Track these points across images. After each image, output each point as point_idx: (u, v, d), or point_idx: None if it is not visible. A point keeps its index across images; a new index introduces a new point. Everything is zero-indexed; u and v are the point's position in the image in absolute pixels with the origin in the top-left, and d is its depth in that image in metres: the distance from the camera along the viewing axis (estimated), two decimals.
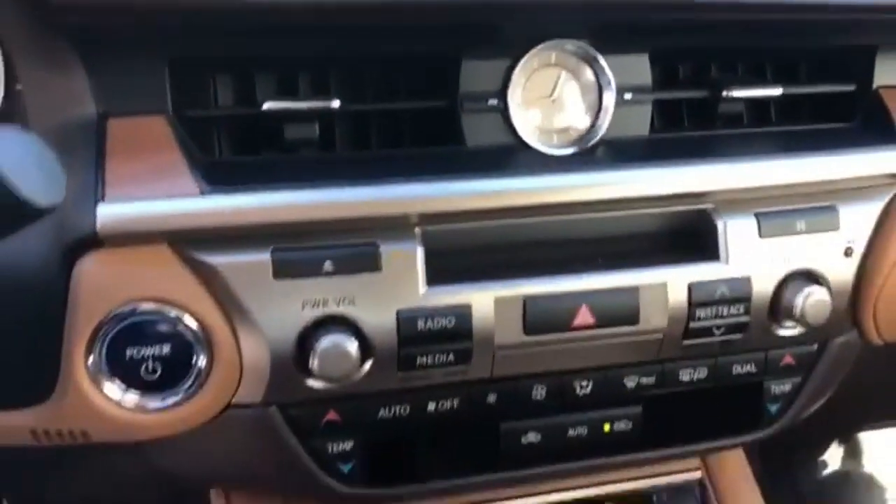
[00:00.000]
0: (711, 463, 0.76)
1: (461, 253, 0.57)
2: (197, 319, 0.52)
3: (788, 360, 0.64)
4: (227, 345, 0.53)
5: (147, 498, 0.78)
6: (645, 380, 0.61)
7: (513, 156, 0.58)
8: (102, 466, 0.71)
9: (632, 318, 0.58)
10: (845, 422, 1.14)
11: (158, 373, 0.53)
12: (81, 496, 0.77)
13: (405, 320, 0.54)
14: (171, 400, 0.53)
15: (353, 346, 0.53)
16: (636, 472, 0.74)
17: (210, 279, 0.52)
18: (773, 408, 0.65)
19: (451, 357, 0.56)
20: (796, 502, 1.12)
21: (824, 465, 1.41)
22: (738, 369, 0.63)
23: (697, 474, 0.76)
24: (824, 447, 1.41)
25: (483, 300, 0.56)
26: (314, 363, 0.53)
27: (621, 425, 0.62)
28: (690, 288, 0.58)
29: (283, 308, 0.53)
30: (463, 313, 0.55)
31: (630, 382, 0.61)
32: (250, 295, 0.53)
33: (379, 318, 0.54)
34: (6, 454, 0.67)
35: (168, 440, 0.57)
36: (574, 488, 0.73)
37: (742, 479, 0.76)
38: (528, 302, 0.56)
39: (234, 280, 0.52)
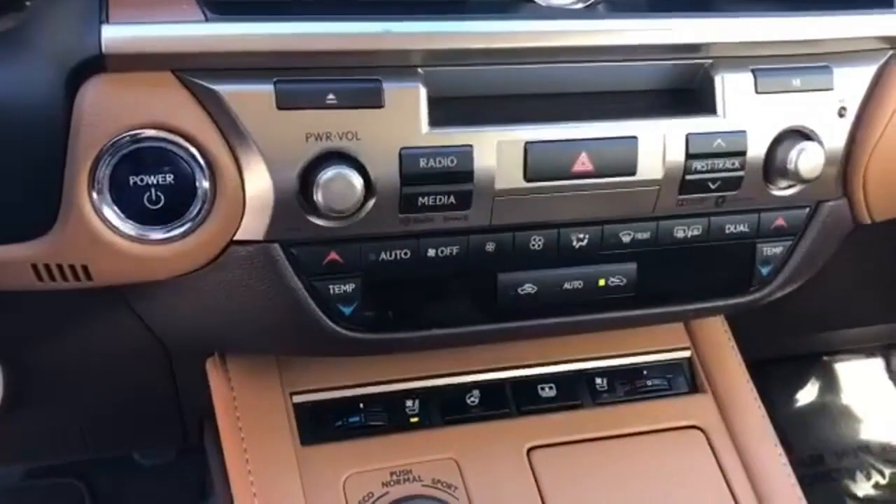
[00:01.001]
0: (701, 343, 0.77)
1: (464, 98, 0.57)
2: (200, 148, 0.53)
3: (780, 222, 0.65)
4: (230, 175, 0.53)
5: (141, 373, 0.78)
6: (640, 235, 0.62)
7: (516, 5, 0.59)
8: (96, 330, 0.71)
9: (629, 167, 0.59)
10: (823, 322, 1.17)
11: (161, 202, 0.53)
12: (72, 367, 0.77)
13: (407, 158, 0.55)
14: (174, 231, 0.54)
15: (356, 179, 0.53)
16: (626, 348, 0.76)
17: (214, 107, 0.52)
18: (765, 270, 0.66)
19: (452, 199, 0.56)
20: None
21: (801, 398, 1.44)
22: (730, 229, 0.64)
23: (687, 353, 0.77)
24: (804, 372, 1.44)
25: (485, 143, 0.56)
26: (318, 195, 0.53)
27: (615, 281, 0.63)
28: (687, 139, 0.59)
29: (287, 139, 0.53)
30: (465, 154, 0.56)
31: (626, 237, 0.62)
32: (254, 124, 0.53)
33: (382, 155, 0.54)
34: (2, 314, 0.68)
35: (169, 289, 0.58)
36: (565, 362, 0.74)
37: (730, 358, 0.77)
38: (528, 147, 0.57)
39: (238, 109, 0.52)
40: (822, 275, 0.72)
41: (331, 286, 0.58)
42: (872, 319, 1.24)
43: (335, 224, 0.56)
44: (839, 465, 1.39)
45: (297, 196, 0.54)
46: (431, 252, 0.59)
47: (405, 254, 0.58)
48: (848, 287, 1.01)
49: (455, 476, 0.66)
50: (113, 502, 1.25)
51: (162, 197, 0.53)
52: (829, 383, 1.46)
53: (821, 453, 1.40)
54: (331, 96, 0.53)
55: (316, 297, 0.58)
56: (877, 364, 1.47)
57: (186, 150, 0.53)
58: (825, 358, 1.45)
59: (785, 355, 1.35)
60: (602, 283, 0.63)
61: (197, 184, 0.53)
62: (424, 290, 0.61)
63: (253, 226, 0.55)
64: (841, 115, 0.63)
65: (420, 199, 0.56)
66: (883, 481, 1.38)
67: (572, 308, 0.64)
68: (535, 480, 0.67)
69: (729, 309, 0.68)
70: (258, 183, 0.54)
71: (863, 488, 1.37)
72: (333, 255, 0.57)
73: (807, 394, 1.45)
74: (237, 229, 0.55)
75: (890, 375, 1.46)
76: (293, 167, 0.54)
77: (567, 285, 0.63)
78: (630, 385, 0.75)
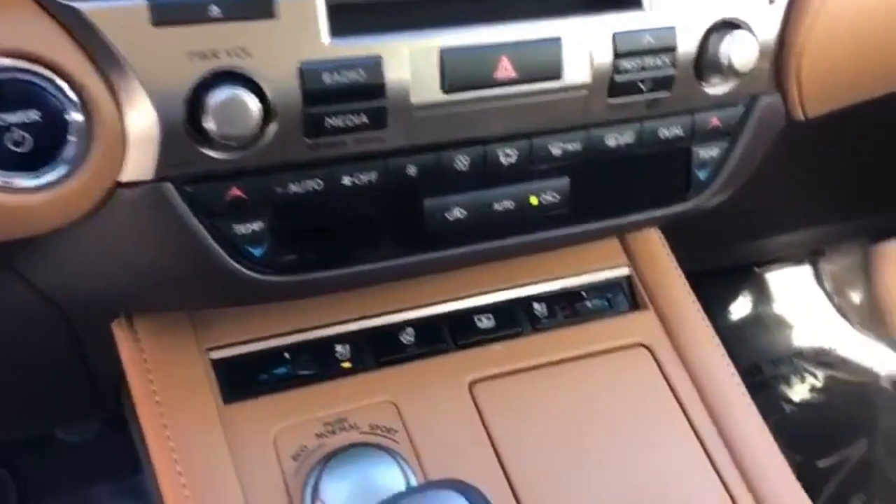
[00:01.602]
0: (639, 260, 0.74)
1: (369, 3, 0.51)
2: (66, 78, 0.45)
3: (715, 122, 0.62)
4: (105, 107, 0.46)
5: (42, 343, 0.71)
6: (571, 146, 0.58)
7: None
8: None
9: (554, 71, 0.54)
10: (753, 229, 1.17)
11: (28, 145, 0.46)
12: None
13: (308, 73, 0.49)
14: (46, 177, 0.47)
15: (252, 101, 0.47)
16: (563, 271, 0.72)
17: (77, 29, 0.45)
18: (702, 174, 0.63)
19: (364, 119, 0.51)
20: None
21: (735, 310, 1.46)
22: (664, 133, 0.60)
23: (625, 270, 0.74)
24: (736, 284, 1.46)
25: (395, 52, 0.51)
26: (209, 123, 0.47)
27: (548, 198, 0.59)
28: (614, 38, 0.55)
29: (167, 61, 0.46)
30: (373, 66, 0.50)
31: (556, 150, 0.58)
32: (127, 46, 0.46)
33: (279, 71, 0.48)
34: None
35: (53, 244, 0.51)
36: (501, 290, 0.70)
37: (670, 273, 0.74)
38: (444, 54, 0.52)
39: (106, 28, 0.45)
40: (752, 179, 0.69)
41: (236, 226, 0.52)
42: (801, 223, 1.24)
43: (233, 155, 0.49)
44: (776, 372, 1.42)
45: (186, 125, 0.48)
46: (347, 180, 0.53)
47: (317, 184, 0.53)
48: (777, 191, 1.01)
49: (394, 419, 0.62)
50: (42, 486, 1.18)
51: (27, 138, 0.46)
52: (762, 294, 1.48)
53: (758, 363, 1.43)
54: (214, 8, 0.47)
55: (221, 240, 0.52)
56: (805, 271, 1.49)
57: (51, 81, 0.45)
58: (756, 269, 1.47)
59: (716, 268, 1.35)
60: (535, 201, 0.59)
61: (67, 120, 0.46)
62: (343, 224, 0.55)
63: (139, 164, 0.48)
64: (771, 1, 0.59)
65: (327, 119, 0.50)
66: (818, 384, 1.41)
67: (505, 231, 0.60)
68: (480, 415, 0.63)
69: (668, 218, 0.65)
70: (139, 114, 0.47)
71: (799, 392, 1.40)
72: (236, 191, 0.51)
73: (740, 306, 1.47)
74: (121, 169, 0.48)
75: (818, 282, 1.49)
76: (177, 92, 0.47)
77: (498, 206, 0.58)
78: (570, 308, 0.71)
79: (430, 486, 0.42)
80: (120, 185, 0.49)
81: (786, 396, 1.40)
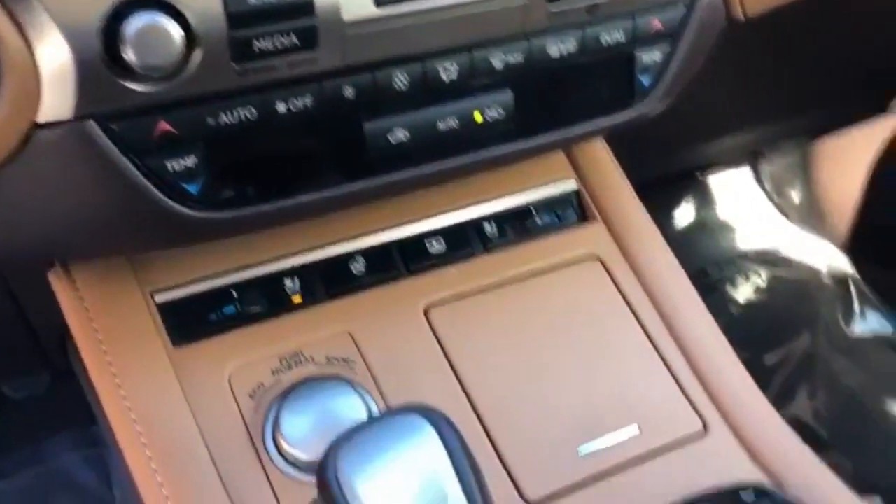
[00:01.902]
0: (586, 172, 0.74)
1: None
2: None
3: (657, 24, 0.60)
4: (12, 43, 0.43)
5: None
6: (513, 58, 0.56)
7: None
8: None
9: None
10: (694, 134, 1.18)
11: None
12: None
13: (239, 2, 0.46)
14: None
15: (172, 26, 0.44)
16: (511, 188, 0.71)
17: None
18: (646, 80, 0.62)
19: (294, 39, 0.48)
20: None
21: (679, 217, 1.48)
22: (606, 39, 0.58)
23: (573, 183, 0.73)
24: (679, 192, 1.47)
25: None
26: (128, 53, 0.44)
27: (493, 113, 0.57)
28: None
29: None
30: None
31: (497, 62, 0.56)
32: None
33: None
34: None
35: None
36: (450, 212, 0.69)
37: (618, 183, 0.74)
38: None
39: None
40: (692, 83, 0.69)
41: (168, 162, 0.49)
42: (741, 125, 1.25)
43: (158, 87, 0.46)
44: (721, 275, 1.45)
45: (103, 58, 0.44)
46: (281, 107, 0.50)
47: (250, 113, 0.50)
48: (716, 93, 1.01)
49: (351, 350, 0.61)
50: None
51: None
52: (704, 199, 1.50)
53: (703, 267, 1.45)
54: None
55: (153, 178, 0.49)
56: (746, 173, 1.51)
57: None
58: (699, 175, 1.48)
59: (659, 176, 1.36)
60: (479, 117, 0.57)
61: None
62: (281, 153, 0.53)
63: (57, 103, 0.45)
64: None
65: (255, 42, 0.47)
66: (762, 284, 1.45)
67: (450, 150, 0.58)
68: (437, 339, 0.62)
69: (614, 128, 0.63)
70: (51, 48, 0.44)
71: (744, 293, 1.43)
72: (164, 125, 0.48)
73: (684, 212, 1.48)
74: (37, 109, 0.45)
75: (759, 183, 1.51)
76: (90, 23, 0.44)
77: (441, 125, 0.56)
78: (520, 225, 0.71)
79: (392, 412, 0.42)
80: (38, 126, 0.46)
81: (732, 298, 1.43)
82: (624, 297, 0.68)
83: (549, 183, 0.73)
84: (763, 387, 1.31)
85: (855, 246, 1.40)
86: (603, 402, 0.61)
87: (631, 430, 0.60)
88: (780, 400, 1.28)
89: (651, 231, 0.72)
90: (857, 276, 1.40)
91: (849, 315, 1.38)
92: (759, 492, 0.55)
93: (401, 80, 0.53)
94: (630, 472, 0.58)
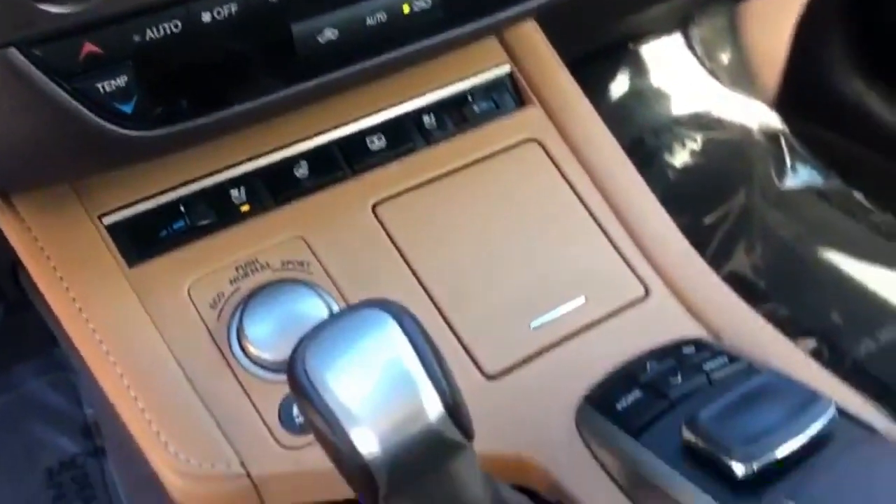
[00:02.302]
0: (519, 55, 0.74)
1: None
2: None
3: None
4: None
5: None
6: None
7: None
8: None
9: None
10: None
11: None
12: None
13: None
14: None
15: None
16: (446, 78, 0.71)
17: None
18: None
19: None
20: None
21: (614, 89, 1.49)
22: None
23: (507, 68, 0.74)
24: (612, 64, 1.48)
25: None
26: None
27: (420, 3, 0.57)
28: None
29: None
30: None
31: None
32: None
33: None
34: None
35: None
36: (387, 108, 0.69)
37: (551, 65, 0.75)
38: None
39: None
40: None
41: (99, 84, 0.49)
42: None
43: (76, 6, 0.46)
44: (658, 142, 1.48)
45: None
46: (206, 16, 0.50)
47: (175, 26, 0.49)
48: None
49: (305, 253, 0.62)
50: None
51: None
52: (637, 69, 1.51)
53: (640, 136, 1.48)
54: None
55: (85, 101, 0.49)
56: (676, 40, 1.52)
57: None
58: (630, 45, 1.49)
59: (591, 51, 1.36)
60: (406, 8, 0.57)
61: None
62: (211, 65, 0.53)
63: None
64: None
65: None
66: (697, 147, 1.48)
67: (381, 46, 0.58)
68: (388, 234, 0.64)
69: (543, 7, 0.64)
70: None
71: (681, 158, 1.47)
72: (89, 46, 0.48)
73: (619, 84, 1.49)
74: None
75: (689, 48, 1.53)
76: None
77: (370, 21, 0.56)
78: (458, 115, 0.72)
79: (353, 308, 0.44)
80: None
81: (670, 164, 1.47)
82: (564, 177, 0.70)
83: (483, 70, 0.73)
84: (703, 245, 1.37)
85: (784, 103, 1.42)
86: (550, 278, 0.65)
87: (578, 301, 0.64)
88: (720, 256, 1.34)
89: (587, 110, 0.74)
90: (787, 131, 1.44)
91: (781, 170, 1.43)
92: (699, 344, 0.59)
93: None
94: (579, 340, 0.62)
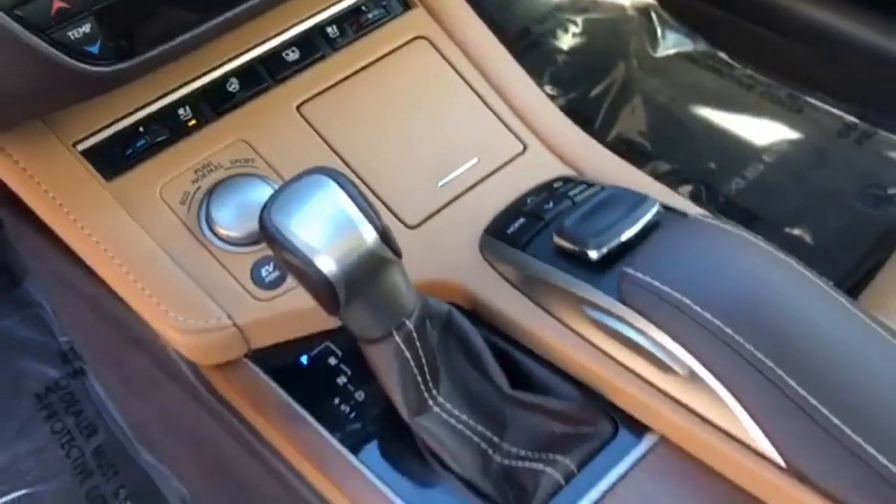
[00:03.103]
0: None
1: None
2: None
3: None
4: None
5: None
6: None
7: None
8: None
9: None
10: None
11: None
12: None
13: None
14: None
15: None
16: None
17: None
18: None
19: None
20: None
21: None
22: None
23: None
24: None
25: None
26: None
27: None
28: None
29: None
30: None
31: None
32: None
33: None
34: None
35: None
36: (296, 25, 0.82)
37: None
38: None
39: None
40: None
41: (70, 33, 0.62)
42: None
43: None
44: (542, 29, 1.60)
45: None
46: None
47: None
48: None
49: (249, 152, 0.76)
50: None
51: None
52: None
53: (526, 25, 1.60)
54: None
55: (60, 47, 0.62)
56: None
57: None
58: None
59: None
60: None
61: None
62: (154, 7, 0.65)
63: None
64: None
65: None
66: (578, 29, 1.61)
67: None
68: (312, 128, 0.79)
69: None
70: None
71: (565, 41, 1.59)
72: (58, 3, 0.60)
73: None
74: None
75: None
76: None
77: None
78: (356, 23, 0.85)
79: (300, 175, 0.58)
80: None
81: (555, 47, 1.56)
82: (450, 64, 0.85)
83: None
84: (592, 115, 1.51)
85: None
86: (449, 147, 0.80)
87: (472, 161, 0.79)
88: (608, 124, 1.46)
89: (462, 6, 0.88)
90: (656, 4, 1.56)
91: (653, 40, 1.55)
92: (565, 180, 0.76)
93: None
94: (476, 191, 0.78)
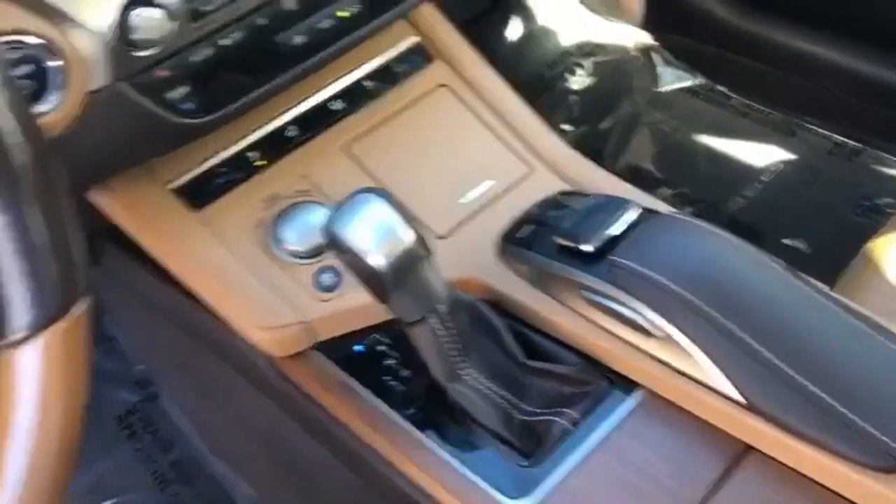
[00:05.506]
0: (424, 30, 1.05)
1: None
2: (28, 34, 0.70)
3: None
4: (72, 54, 0.72)
5: None
6: None
7: None
8: None
9: None
10: None
11: (34, 86, 0.71)
12: None
13: None
14: (48, 102, 0.72)
15: (157, 11, 0.74)
16: (376, 55, 1.02)
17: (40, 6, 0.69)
18: None
19: None
20: None
21: (509, 36, 1.76)
22: None
23: (416, 39, 1.05)
24: (501, 15, 1.75)
25: None
26: (135, 34, 0.74)
27: (353, 9, 0.89)
28: None
29: (98, 6, 0.72)
30: None
31: None
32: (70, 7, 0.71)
33: None
34: None
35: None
36: (340, 79, 1.00)
37: (449, 32, 1.04)
38: None
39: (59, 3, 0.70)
40: None
41: (169, 94, 0.80)
42: None
43: (154, 51, 0.76)
44: (554, 73, 1.74)
45: (120, 41, 0.74)
46: (226, 41, 0.81)
47: (209, 50, 0.80)
48: None
49: (306, 183, 0.93)
50: None
51: (31, 82, 0.71)
52: (525, 15, 1.74)
53: (538, 71, 1.75)
54: None
55: (162, 105, 0.79)
56: None
57: (32, 44, 0.70)
58: None
59: (483, 11, 1.64)
60: (344, 13, 0.88)
61: (50, 65, 0.71)
62: (235, 69, 0.83)
63: (99, 76, 0.74)
64: None
65: (201, 9, 0.77)
66: (586, 71, 1.74)
67: (332, 39, 0.89)
68: (358, 162, 0.95)
69: None
70: (91, 45, 0.73)
71: (575, 82, 1.71)
72: (161, 72, 0.78)
73: (512, 30, 1.73)
74: (89, 83, 0.74)
75: None
76: (111, 25, 0.72)
77: (322, 25, 0.87)
78: (389, 76, 1.02)
79: (352, 195, 0.74)
80: (91, 92, 0.75)
81: (567, 88, 1.69)
82: (467, 106, 1.01)
83: (400, 43, 1.05)
84: (602, 147, 1.64)
85: (650, 22, 1.68)
86: (468, 171, 0.95)
87: (488, 183, 0.95)
88: (617, 153, 1.60)
89: (475, 57, 1.05)
90: (656, 45, 1.71)
91: (655, 77, 1.69)
92: (565, 193, 0.92)
93: (290, 3, 0.84)
94: (492, 206, 0.93)
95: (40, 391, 0.48)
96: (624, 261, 0.77)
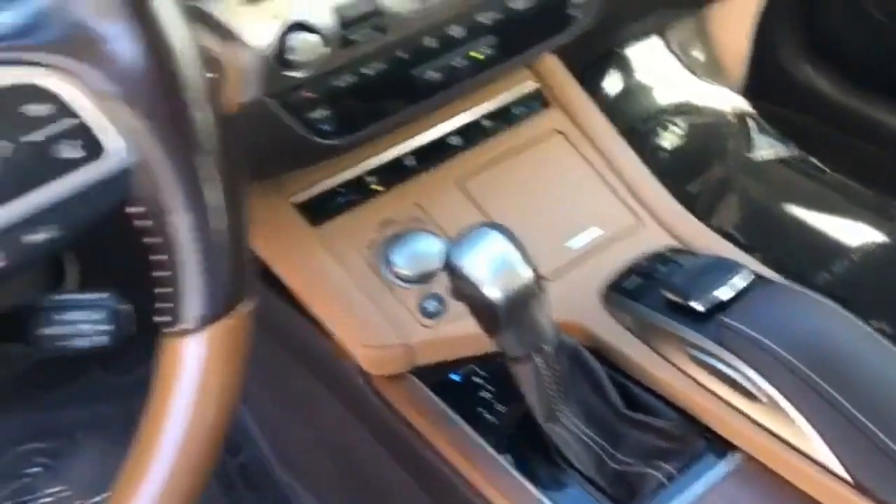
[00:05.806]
0: (542, 76, 1.09)
1: None
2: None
3: None
4: (232, 70, 0.76)
5: None
6: (492, 16, 0.91)
7: None
8: None
9: None
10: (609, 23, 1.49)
11: None
12: None
13: (342, 10, 0.79)
14: None
15: (314, 37, 0.78)
16: (496, 95, 1.06)
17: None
18: (574, 12, 0.97)
19: (373, 30, 0.82)
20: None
21: (607, 90, 1.80)
22: None
23: (535, 85, 1.09)
24: (604, 69, 1.79)
25: None
26: (292, 55, 0.78)
27: (485, 51, 0.92)
28: None
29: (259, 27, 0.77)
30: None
31: (485, 20, 0.90)
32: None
33: (325, 20, 0.79)
34: None
35: None
36: (459, 114, 1.04)
37: (566, 80, 1.08)
38: None
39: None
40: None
41: (311, 114, 0.84)
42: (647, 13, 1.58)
43: (304, 72, 0.79)
44: (647, 128, 1.75)
45: (277, 61, 0.78)
46: (369, 70, 0.85)
47: (351, 77, 0.85)
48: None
49: (420, 212, 0.97)
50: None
51: None
52: (626, 70, 1.76)
53: (632, 125, 1.77)
54: None
55: (304, 124, 0.84)
56: (657, 43, 1.81)
57: None
58: (616, 50, 1.79)
59: (590, 60, 1.68)
60: (477, 55, 0.92)
61: None
62: (371, 97, 0.88)
63: (251, 91, 0.79)
64: None
65: (352, 36, 0.82)
66: (680, 131, 1.76)
67: (463, 77, 0.93)
68: (471, 197, 0.99)
69: (557, 43, 0.99)
70: (249, 62, 0.77)
71: (667, 140, 1.72)
72: (307, 93, 0.82)
73: (612, 83, 1.75)
74: (240, 97, 0.79)
75: (668, 48, 1.82)
76: (268, 36, 0.77)
77: (455, 63, 0.91)
78: (506, 118, 1.05)
79: (472, 227, 0.77)
80: (241, 104, 0.80)
81: (658, 145, 1.69)
82: (581, 154, 1.05)
83: (518, 87, 1.08)
84: (689, 208, 1.65)
85: (749, 88, 1.70)
86: (577, 217, 0.98)
87: (596, 230, 0.98)
88: (704, 216, 1.56)
89: (591, 108, 1.08)
90: (753, 112, 1.71)
91: (749, 144, 1.69)
92: (674, 249, 0.94)
93: (430, 41, 0.88)
94: (598, 253, 0.96)
95: (200, 385, 0.51)
96: (735, 323, 0.78)
